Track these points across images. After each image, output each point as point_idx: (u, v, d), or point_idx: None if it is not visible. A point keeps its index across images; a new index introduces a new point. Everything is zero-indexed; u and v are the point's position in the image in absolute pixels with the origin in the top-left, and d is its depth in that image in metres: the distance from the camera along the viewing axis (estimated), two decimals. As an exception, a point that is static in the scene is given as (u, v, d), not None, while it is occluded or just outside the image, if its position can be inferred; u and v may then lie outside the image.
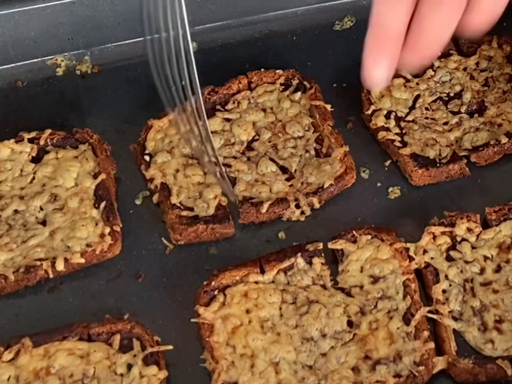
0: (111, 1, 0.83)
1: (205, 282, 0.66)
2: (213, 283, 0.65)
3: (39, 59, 0.84)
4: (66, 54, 0.84)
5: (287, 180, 0.73)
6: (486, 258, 0.66)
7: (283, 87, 0.80)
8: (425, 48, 0.58)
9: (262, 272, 0.66)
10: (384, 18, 0.58)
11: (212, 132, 0.75)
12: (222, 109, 0.78)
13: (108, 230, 0.69)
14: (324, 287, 0.66)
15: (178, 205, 0.71)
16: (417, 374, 0.60)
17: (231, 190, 0.70)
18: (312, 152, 0.75)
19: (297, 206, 0.71)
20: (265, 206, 0.70)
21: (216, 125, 0.77)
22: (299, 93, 0.79)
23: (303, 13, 0.86)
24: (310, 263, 0.67)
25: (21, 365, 0.61)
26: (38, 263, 0.67)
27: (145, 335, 0.63)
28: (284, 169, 0.74)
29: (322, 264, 0.67)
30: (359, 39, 0.84)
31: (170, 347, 0.63)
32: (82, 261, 0.68)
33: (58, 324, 0.64)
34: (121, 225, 0.70)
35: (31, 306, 0.67)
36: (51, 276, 0.67)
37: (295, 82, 0.80)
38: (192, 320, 0.64)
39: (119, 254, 0.70)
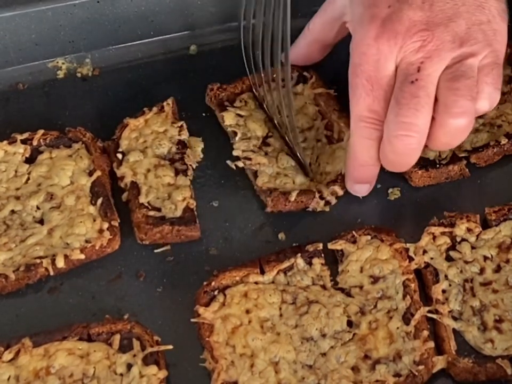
0: (112, 4, 0.83)
1: (205, 283, 0.66)
2: (212, 283, 0.65)
3: (40, 62, 0.84)
4: (67, 56, 0.84)
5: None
6: (485, 258, 0.66)
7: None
8: (395, 169, 0.67)
9: (262, 272, 0.66)
10: (357, 150, 0.67)
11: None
12: (231, 106, 0.78)
13: (106, 225, 0.69)
14: (323, 287, 0.65)
15: (146, 204, 0.71)
16: (417, 374, 0.60)
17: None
18: (324, 140, 0.75)
19: (322, 197, 0.72)
20: (294, 194, 0.71)
21: (230, 119, 0.77)
22: (301, 85, 0.79)
23: (302, 15, 0.86)
24: (310, 264, 0.67)
25: (21, 365, 0.61)
26: (38, 261, 0.67)
27: (145, 335, 0.63)
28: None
29: (322, 264, 0.67)
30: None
31: (170, 347, 0.63)
32: (82, 256, 0.68)
33: (58, 324, 0.64)
34: (119, 220, 0.70)
35: (31, 306, 0.67)
36: (52, 273, 0.67)
37: (295, 75, 0.80)
38: (192, 320, 0.64)
39: (119, 255, 0.70)
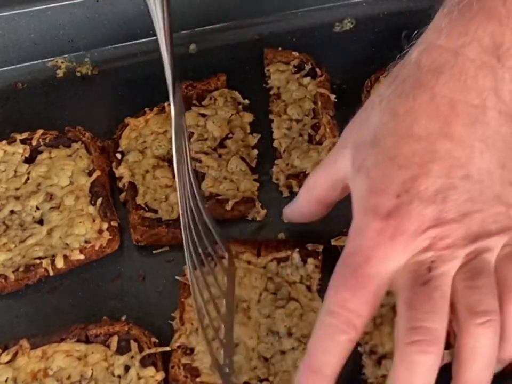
0: (111, 3, 0.83)
1: None
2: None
3: (39, 61, 0.84)
4: (66, 55, 0.84)
5: (274, 159, 0.74)
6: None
7: (295, 69, 0.80)
8: None
9: (258, 254, 0.66)
10: (313, 349, 0.54)
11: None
12: (199, 104, 0.78)
13: (105, 225, 0.69)
14: (309, 288, 0.65)
15: (143, 205, 0.71)
16: (422, 368, 0.60)
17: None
18: (306, 137, 0.75)
19: (263, 207, 0.72)
20: (230, 203, 0.70)
21: (190, 120, 0.76)
22: (308, 78, 0.79)
23: (302, 15, 0.86)
24: (305, 262, 0.66)
25: (18, 367, 0.61)
26: (38, 261, 0.67)
27: (143, 336, 0.63)
28: (253, 170, 0.74)
29: (316, 266, 0.66)
30: (359, 40, 0.85)
31: (168, 348, 0.63)
32: (82, 257, 0.68)
33: (58, 324, 0.64)
34: (118, 221, 0.70)
35: (30, 307, 0.67)
36: (51, 273, 0.68)
37: (308, 67, 0.80)
38: (176, 277, 0.65)
39: (119, 255, 0.70)
